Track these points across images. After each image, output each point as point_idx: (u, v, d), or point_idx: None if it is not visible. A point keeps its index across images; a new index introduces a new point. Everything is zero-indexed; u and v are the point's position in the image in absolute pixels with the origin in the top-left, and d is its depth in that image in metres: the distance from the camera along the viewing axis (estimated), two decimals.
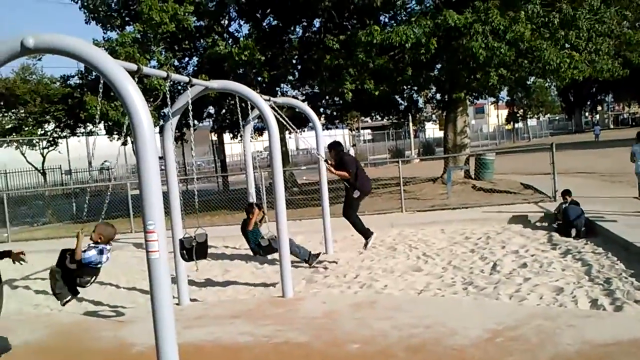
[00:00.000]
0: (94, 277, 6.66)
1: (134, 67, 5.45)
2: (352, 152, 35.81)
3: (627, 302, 6.68)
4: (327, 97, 19.49)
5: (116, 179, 32.16)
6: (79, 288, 6.66)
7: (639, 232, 9.54)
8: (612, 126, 73.68)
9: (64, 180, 26.15)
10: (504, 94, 42.55)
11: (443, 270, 9.16)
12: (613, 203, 12.64)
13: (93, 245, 6.50)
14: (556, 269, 8.50)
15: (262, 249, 9.28)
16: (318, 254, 9.98)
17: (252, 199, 10.20)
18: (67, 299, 6.79)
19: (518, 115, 63.17)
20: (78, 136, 23.77)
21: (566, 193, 11.39)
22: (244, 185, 10.55)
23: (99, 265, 6.57)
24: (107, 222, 6.94)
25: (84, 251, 6.38)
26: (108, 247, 6.59)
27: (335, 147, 9.90)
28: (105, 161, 34.60)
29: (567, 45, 15.39)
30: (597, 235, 10.30)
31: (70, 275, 6.51)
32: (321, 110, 23.62)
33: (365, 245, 9.76)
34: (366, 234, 9.76)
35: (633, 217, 10.90)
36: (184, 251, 7.14)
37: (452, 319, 6.36)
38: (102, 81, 4.59)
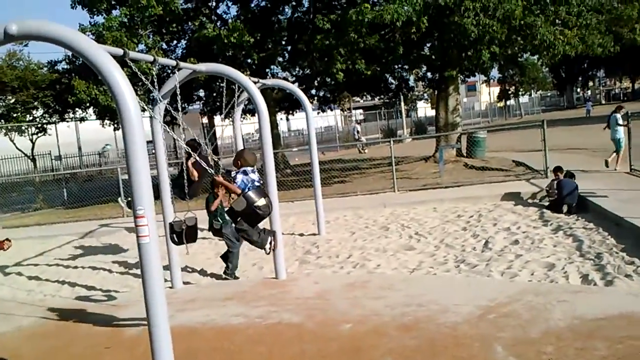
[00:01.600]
0: (266, 197, 6.44)
1: (119, 51, 5.39)
2: (358, 128, 35.50)
3: (618, 277, 6.74)
4: (318, 78, 19.35)
5: (107, 163, 32.02)
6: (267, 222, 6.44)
7: (629, 207, 9.60)
8: (603, 101, 73.63)
9: (54, 166, 25.99)
10: (495, 71, 42.43)
11: (435, 248, 9.20)
12: (604, 178, 12.70)
13: (235, 171, 6.42)
14: (547, 245, 8.56)
15: (212, 230, 8.68)
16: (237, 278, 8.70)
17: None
18: (269, 240, 6.79)
19: (510, 92, 63.08)
20: (67, 121, 23.58)
21: (558, 170, 11.44)
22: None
23: (257, 184, 6.42)
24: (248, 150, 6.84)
25: (232, 182, 6.29)
26: (249, 168, 6.46)
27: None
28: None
29: (557, 21, 15.35)
30: (588, 211, 10.36)
31: (251, 213, 6.32)
32: (313, 92, 23.49)
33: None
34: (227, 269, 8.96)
35: (624, 192, 10.96)
36: (174, 235, 7.11)
37: (445, 296, 6.39)
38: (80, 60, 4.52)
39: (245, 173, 6.37)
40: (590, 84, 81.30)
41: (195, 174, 8.29)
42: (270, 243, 6.89)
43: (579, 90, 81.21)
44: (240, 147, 10.48)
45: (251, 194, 6.21)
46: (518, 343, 4.90)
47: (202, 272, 9.18)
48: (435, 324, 5.57)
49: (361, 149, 32.47)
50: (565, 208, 10.57)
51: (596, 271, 7.07)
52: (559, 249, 8.27)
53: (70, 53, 19.37)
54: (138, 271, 4.72)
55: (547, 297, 6.01)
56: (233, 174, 6.45)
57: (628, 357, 4.44)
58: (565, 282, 6.85)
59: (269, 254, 6.89)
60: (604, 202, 10.23)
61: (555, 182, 11.19)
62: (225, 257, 8.73)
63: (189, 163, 8.18)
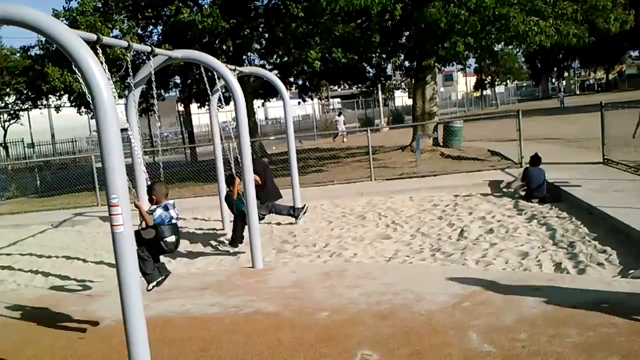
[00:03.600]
0: (176, 236, 6.40)
1: (93, 37, 5.29)
2: (340, 119, 35.36)
3: (590, 265, 6.84)
4: (295, 67, 19.27)
5: (81, 151, 31.61)
6: (166, 258, 6.43)
7: (602, 196, 9.75)
8: (578, 92, 74.65)
9: (27, 154, 25.60)
10: (471, 61, 42.69)
11: (411, 237, 9.26)
12: (578, 168, 12.86)
13: (155, 206, 6.32)
14: (521, 234, 8.66)
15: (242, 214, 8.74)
16: (304, 206, 10.40)
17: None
18: (158, 280, 6.71)
19: (486, 82, 63.57)
20: (40, 109, 23.20)
21: (535, 158, 11.52)
22: (213, 156, 10.45)
23: (173, 222, 6.35)
24: (159, 182, 6.74)
25: (151, 214, 6.22)
26: (171, 201, 6.36)
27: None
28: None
29: (533, 10, 15.43)
30: (562, 200, 10.49)
31: (155, 244, 6.29)
32: (291, 80, 23.41)
33: (229, 243, 9.36)
34: (234, 241, 9.23)
35: (597, 182, 11.11)
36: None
37: (420, 285, 6.44)
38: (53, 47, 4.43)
39: (166, 209, 6.36)
40: (566, 74, 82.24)
41: (257, 178, 8.87)
42: (158, 283, 6.92)
43: (554, 80, 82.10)
44: (217, 135, 10.42)
45: (164, 228, 6.23)
46: (492, 330, 4.96)
47: (178, 262, 9.12)
48: (410, 312, 5.61)
49: (334, 138, 32.57)
50: (535, 201, 10.70)
51: (569, 260, 7.18)
52: (533, 238, 8.37)
53: (43, 38, 19.05)
54: (113, 260, 4.67)
55: (520, 285, 6.08)
56: (153, 207, 6.42)
57: (599, 343, 4.52)
58: (538, 270, 6.94)
59: (148, 290, 6.88)
60: (577, 192, 10.37)
61: (523, 170, 11.30)
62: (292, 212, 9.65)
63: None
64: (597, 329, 4.79)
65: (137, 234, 6.33)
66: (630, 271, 6.46)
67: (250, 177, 7.97)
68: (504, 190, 12.30)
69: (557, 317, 5.10)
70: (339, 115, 36.94)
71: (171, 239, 6.26)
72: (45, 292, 7.97)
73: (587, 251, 7.39)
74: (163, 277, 6.81)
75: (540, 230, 8.81)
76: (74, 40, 4.27)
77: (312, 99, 31.87)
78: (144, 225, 6.24)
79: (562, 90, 52.37)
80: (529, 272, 6.84)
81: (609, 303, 5.33)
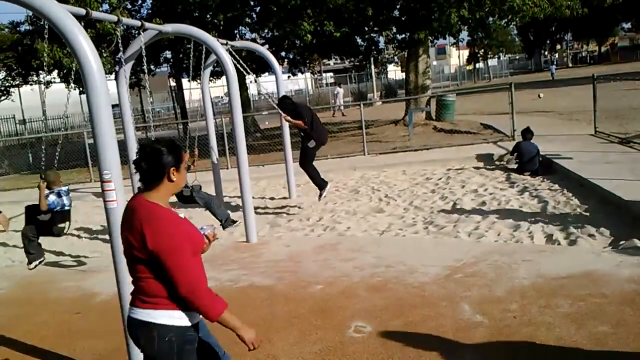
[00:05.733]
0: (68, 222, 6.69)
1: (82, 11, 5.23)
2: (340, 91, 35.02)
3: (581, 237, 6.91)
4: (286, 40, 19.09)
5: (73, 127, 31.37)
6: (55, 240, 6.81)
7: (593, 168, 9.81)
8: (570, 64, 74.50)
9: (19, 130, 25.41)
10: (464, 34, 42.42)
11: (404, 210, 9.30)
12: (570, 141, 12.90)
13: (48, 192, 6.59)
14: (513, 206, 8.71)
15: (181, 198, 8.16)
16: (236, 222, 8.44)
17: (214, 150, 10.10)
18: (39, 260, 6.96)
19: (479, 55, 63.25)
20: (31, 84, 22.94)
21: (526, 131, 11.55)
22: (205, 131, 10.42)
23: (66, 209, 6.60)
24: (51, 169, 7.19)
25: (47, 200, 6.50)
26: (64, 188, 6.63)
27: (284, 101, 9.47)
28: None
29: None
30: (554, 173, 10.55)
31: (46, 226, 6.61)
32: (283, 54, 23.20)
33: (320, 196, 9.40)
34: (321, 185, 9.37)
35: (588, 154, 11.17)
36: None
37: (413, 257, 6.49)
38: (46, 25, 4.39)
39: (59, 195, 6.81)
40: (558, 47, 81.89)
41: (301, 123, 9.07)
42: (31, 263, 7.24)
43: (546, 53, 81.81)
44: (210, 110, 10.37)
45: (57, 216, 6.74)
46: (484, 301, 5.03)
47: None
48: (403, 285, 5.67)
49: (336, 111, 32.45)
50: (527, 173, 10.76)
51: (560, 231, 7.24)
52: (525, 210, 8.43)
53: (32, 13, 18.78)
54: (107, 236, 4.68)
55: (512, 256, 6.15)
56: (46, 192, 6.86)
57: (589, 313, 4.59)
58: (530, 242, 7.00)
59: (30, 268, 7.36)
60: (569, 164, 10.42)
61: (515, 144, 11.33)
62: (223, 220, 8.31)
63: (289, 117, 9.13)
64: (588, 299, 4.86)
65: (30, 213, 6.90)
66: (621, 242, 6.53)
67: (244, 153, 7.96)
68: (496, 163, 12.35)
69: (548, 288, 5.17)
70: (339, 86, 36.53)
71: (61, 226, 6.93)
72: (40, 269, 7.96)
73: (578, 223, 7.45)
74: (43, 258, 7.20)
75: (532, 202, 8.87)
76: (63, 15, 4.22)
77: (302, 73, 31.63)
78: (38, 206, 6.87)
79: (555, 63, 52.12)
80: (521, 244, 6.90)
81: (599, 274, 5.40)
